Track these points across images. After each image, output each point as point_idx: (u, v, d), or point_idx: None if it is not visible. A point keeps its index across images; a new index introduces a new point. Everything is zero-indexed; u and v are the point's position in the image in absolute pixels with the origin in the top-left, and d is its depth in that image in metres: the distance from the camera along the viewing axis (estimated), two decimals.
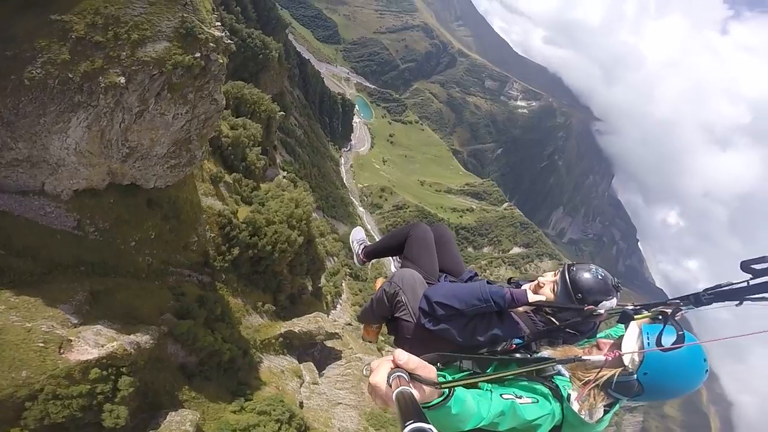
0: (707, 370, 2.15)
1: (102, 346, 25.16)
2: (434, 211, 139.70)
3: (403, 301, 3.31)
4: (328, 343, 48.77)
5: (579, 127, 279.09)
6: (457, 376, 2.39)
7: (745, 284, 1.96)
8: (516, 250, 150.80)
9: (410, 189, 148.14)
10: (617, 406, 2.40)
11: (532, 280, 3.23)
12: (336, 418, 41.44)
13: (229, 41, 34.89)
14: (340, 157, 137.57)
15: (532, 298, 2.87)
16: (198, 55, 31.42)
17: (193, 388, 31.60)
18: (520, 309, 2.93)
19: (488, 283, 3.15)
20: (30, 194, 28.22)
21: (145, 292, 31.56)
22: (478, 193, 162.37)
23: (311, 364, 46.58)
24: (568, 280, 2.80)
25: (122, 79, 28.63)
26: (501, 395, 2.15)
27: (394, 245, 4.15)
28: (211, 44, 31.98)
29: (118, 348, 25.29)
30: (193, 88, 31.81)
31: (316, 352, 49.74)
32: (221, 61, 33.09)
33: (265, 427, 31.79)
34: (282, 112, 73.46)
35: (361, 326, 4.17)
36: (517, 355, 2.72)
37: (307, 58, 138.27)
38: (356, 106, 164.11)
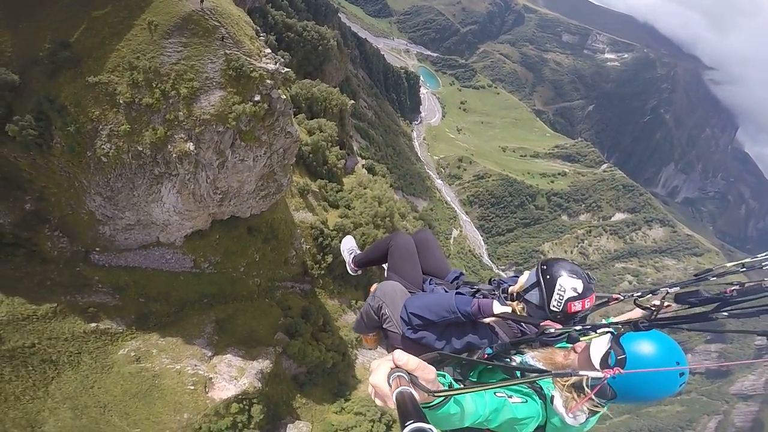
0: (683, 375, 2.13)
1: (236, 380, 30.29)
2: (520, 177, 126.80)
3: (387, 313, 3.42)
4: None
5: (687, 77, 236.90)
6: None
7: (682, 313, 2.07)
8: (619, 216, 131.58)
9: (491, 156, 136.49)
10: (604, 410, 2.43)
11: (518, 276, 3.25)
12: None
13: (286, 69, 33.29)
14: (412, 131, 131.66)
15: (497, 309, 2.91)
16: (257, 98, 30.07)
17: (303, 395, 35.99)
18: (488, 319, 2.97)
19: (459, 293, 3.21)
20: (150, 247, 32.42)
21: (259, 312, 36.75)
22: (570, 155, 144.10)
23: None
24: (541, 282, 2.86)
25: (191, 146, 28.42)
26: (495, 393, 2.22)
27: (378, 256, 4.27)
28: (268, 81, 30.29)
29: (249, 386, 30.41)
30: (264, 129, 31.26)
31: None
32: (284, 96, 31.59)
33: (360, 426, 35.92)
34: (352, 101, 73.04)
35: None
36: (506, 361, 2.73)
37: (363, 37, 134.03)
38: (420, 77, 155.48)
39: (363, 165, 73.51)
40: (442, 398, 1.72)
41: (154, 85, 27.53)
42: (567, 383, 2.38)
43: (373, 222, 48.62)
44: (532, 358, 2.69)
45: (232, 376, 30.50)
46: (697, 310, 2.06)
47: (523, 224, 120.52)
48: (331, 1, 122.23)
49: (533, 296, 2.90)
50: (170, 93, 27.66)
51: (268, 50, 32.51)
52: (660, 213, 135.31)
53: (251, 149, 31.01)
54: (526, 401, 2.35)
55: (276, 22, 70.17)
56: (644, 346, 2.15)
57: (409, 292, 3.56)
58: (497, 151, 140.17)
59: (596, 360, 2.30)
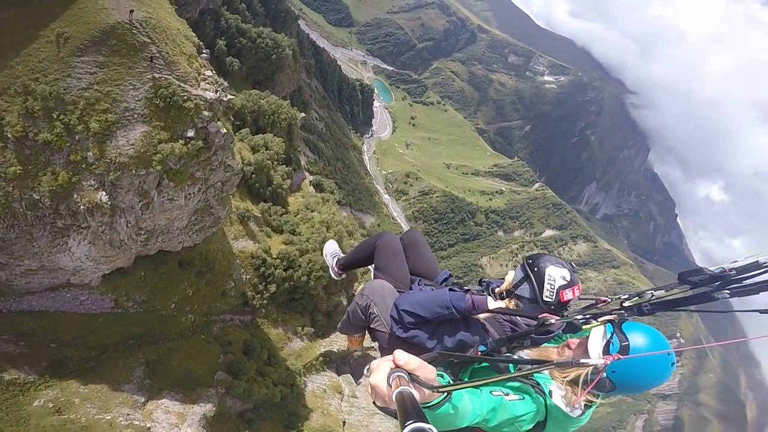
0: (673, 363, 2.24)
1: (178, 428, 27.15)
2: (462, 195, 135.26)
3: (375, 312, 3.37)
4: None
5: (611, 100, 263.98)
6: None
7: (684, 294, 2.05)
8: (549, 232, 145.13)
9: (436, 173, 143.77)
10: (598, 402, 2.45)
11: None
12: (374, 429, 42.25)
13: (229, 97, 28.58)
14: (363, 144, 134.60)
15: (491, 305, 2.91)
16: (191, 133, 25.01)
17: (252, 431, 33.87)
18: (482, 315, 2.97)
19: (451, 290, 3.16)
20: (59, 288, 27.96)
21: (195, 351, 33.69)
22: (507, 174, 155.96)
23: (349, 375, 47.66)
24: (530, 275, 2.88)
25: (103, 196, 23.21)
26: (491, 392, 2.22)
27: (364, 257, 4.15)
28: (205, 113, 25.28)
29: None
30: (199, 166, 26.64)
31: (352, 360, 50.40)
32: (225, 130, 26.95)
33: None
34: (303, 114, 71.56)
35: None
36: (515, 357, 2.71)
37: (321, 46, 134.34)
38: (375, 90, 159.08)
39: (311, 181, 72.11)
40: (442, 398, 1.74)
41: (55, 117, 22.02)
42: (566, 378, 2.40)
43: (320, 249, 48.48)
44: (526, 356, 2.72)
45: (171, 424, 27.50)
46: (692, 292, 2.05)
47: (463, 239, 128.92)
48: (292, 8, 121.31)
49: (524, 291, 2.94)
50: (76, 128, 22.25)
51: (209, 72, 27.80)
52: (584, 230, 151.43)
53: (181, 188, 26.60)
54: (523, 398, 2.37)
55: (229, 26, 68.08)
56: (637, 336, 2.24)
57: (398, 291, 3.51)
58: (442, 168, 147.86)
59: (594, 352, 2.32)
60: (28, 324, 26.94)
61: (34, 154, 22.47)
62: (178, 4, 57.72)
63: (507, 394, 2.32)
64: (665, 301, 2.15)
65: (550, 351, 2.71)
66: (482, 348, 2.88)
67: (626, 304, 2.36)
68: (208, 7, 66.48)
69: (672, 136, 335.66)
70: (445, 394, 1.76)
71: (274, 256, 42.57)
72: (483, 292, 3.31)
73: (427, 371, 1.66)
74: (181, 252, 32.17)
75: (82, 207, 22.88)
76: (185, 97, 24.49)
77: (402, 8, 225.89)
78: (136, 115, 23.71)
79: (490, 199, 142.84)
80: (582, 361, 2.31)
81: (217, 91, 26.62)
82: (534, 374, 2.49)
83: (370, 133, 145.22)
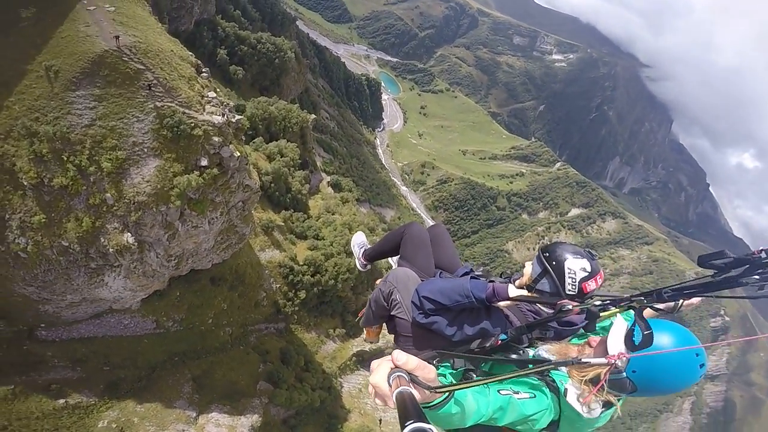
0: (702, 365, 2.06)
1: None
2: (481, 180, 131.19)
3: (398, 299, 3.40)
4: None
5: (626, 74, 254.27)
6: (448, 372, 2.46)
7: (708, 280, 1.94)
8: (575, 211, 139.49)
9: (452, 160, 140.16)
10: (619, 404, 2.33)
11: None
12: None
13: (237, 117, 28.52)
14: (375, 138, 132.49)
15: (513, 292, 2.86)
16: (204, 162, 24.72)
17: None
18: (503, 303, 2.92)
19: (473, 278, 3.13)
20: (103, 315, 29.57)
21: (236, 362, 35.42)
22: (526, 156, 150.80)
23: None
24: (546, 265, 2.78)
25: (129, 237, 23.52)
26: (498, 391, 2.15)
27: (390, 247, 4.22)
28: (216, 138, 24.80)
29: None
30: (218, 191, 26.75)
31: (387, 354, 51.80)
32: (238, 153, 26.85)
33: None
34: (313, 116, 70.71)
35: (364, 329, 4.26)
36: (513, 356, 2.65)
37: (323, 44, 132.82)
38: (382, 83, 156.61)
39: (328, 182, 71.88)
40: (443, 398, 1.72)
41: (66, 159, 21.60)
42: (585, 377, 2.30)
43: (345, 251, 47.26)
44: (546, 351, 2.63)
45: None
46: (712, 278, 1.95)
47: (486, 225, 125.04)
48: (288, 10, 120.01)
49: (545, 285, 2.83)
50: (89, 168, 21.87)
51: (213, 93, 27.15)
52: (611, 206, 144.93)
53: (205, 215, 27.08)
54: (535, 396, 2.29)
55: (227, 35, 67.32)
56: (660, 334, 2.08)
57: (421, 279, 3.53)
58: (458, 155, 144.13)
59: (614, 349, 2.18)
60: (80, 350, 28.37)
61: (54, 200, 22.42)
62: (171, 18, 57.67)
63: (517, 393, 2.22)
64: (687, 286, 2.03)
65: (571, 348, 2.60)
66: (503, 337, 2.80)
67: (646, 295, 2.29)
68: (202, 18, 65.73)
69: (694, 106, 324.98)
70: (447, 393, 1.71)
71: (301, 263, 43.48)
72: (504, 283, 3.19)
73: (427, 371, 1.63)
74: (211, 269, 33.20)
75: (111, 249, 23.24)
76: (192, 125, 24.05)
77: None
78: (146, 149, 23.43)
79: (511, 182, 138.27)
80: (584, 360, 2.17)
81: (224, 114, 26.13)
82: (551, 371, 2.40)
83: (382, 127, 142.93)
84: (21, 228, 22.08)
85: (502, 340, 2.78)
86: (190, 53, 30.22)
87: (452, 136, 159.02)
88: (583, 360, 2.19)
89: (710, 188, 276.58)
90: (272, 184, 47.92)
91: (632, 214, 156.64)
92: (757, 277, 1.78)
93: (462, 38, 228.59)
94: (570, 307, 2.41)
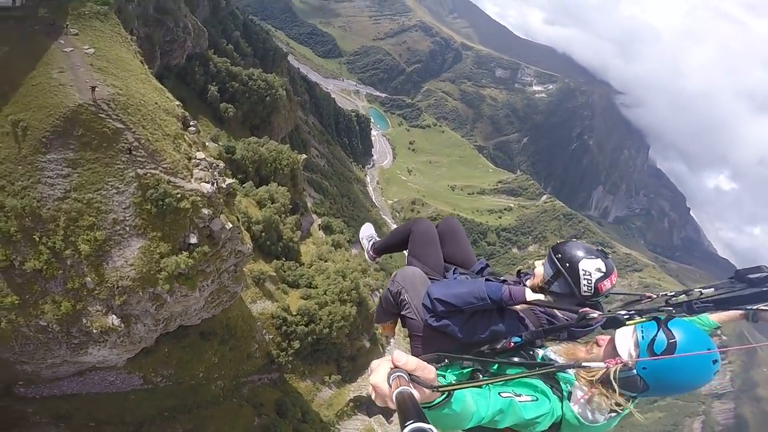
0: (716, 360, 2.06)
1: None
2: (470, 216, 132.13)
3: (406, 299, 3.34)
4: None
5: (602, 102, 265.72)
6: (455, 373, 2.51)
7: (739, 293, 1.95)
8: None
9: (441, 196, 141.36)
10: (628, 409, 2.27)
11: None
12: None
13: (229, 181, 26.65)
14: (365, 175, 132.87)
15: (530, 296, 2.83)
16: (194, 239, 22.70)
17: None
18: (519, 306, 2.88)
19: (488, 280, 3.10)
20: (87, 372, 27.83)
21: (229, 416, 33.80)
22: (513, 190, 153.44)
23: (380, 416, 48.17)
24: (558, 263, 2.74)
25: (114, 320, 21.71)
26: (499, 393, 2.13)
27: (398, 242, 4.17)
28: (205, 211, 22.67)
29: None
30: (208, 262, 24.79)
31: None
32: (230, 224, 24.99)
33: None
34: (304, 155, 70.17)
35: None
36: (516, 359, 2.66)
37: (314, 80, 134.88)
38: (371, 119, 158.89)
39: (319, 224, 71.31)
40: (443, 398, 1.69)
41: (38, 239, 19.36)
42: (594, 377, 2.24)
43: (339, 299, 46.51)
44: (553, 353, 2.60)
45: None
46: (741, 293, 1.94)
47: None
48: (280, 44, 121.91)
49: (558, 287, 2.77)
50: (64, 252, 19.68)
51: (201, 155, 24.72)
52: (599, 236, 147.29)
53: (195, 288, 25.31)
54: (537, 399, 2.23)
55: (219, 70, 67.34)
56: (675, 331, 2.06)
57: (431, 278, 3.46)
58: (446, 191, 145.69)
59: (623, 348, 2.18)
60: (63, 407, 26.57)
61: (27, 283, 20.27)
62: (164, 51, 57.58)
63: (519, 395, 2.18)
64: (718, 299, 2.01)
65: (579, 348, 2.57)
66: (516, 339, 2.75)
67: (672, 300, 2.31)
68: (195, 52, 65.62)
69: (668, 131, 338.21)
70: (446, 394, 1.70)
71: (294, 313, 42.74)
72: (519, 283, 3.15)
73: (427, 371, 1.63)
74: (201, 324, 31.71)
75: (94, 330, 21.39)
76: (179, 196, 21.80)
77: (387, 34, 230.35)
78: (128, 228, 21.20)
79: (500, 217, 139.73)
80: (585, 364, 2.15)
81: (213, 180, 24.04)
82: (557, 373, 2.35)
83: (372, 163, 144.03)
84: None
85: (515, 343, 2.75)
86: (177, 103, 28.52)
87: (440, 172, 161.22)
88: (590, 365, 2.17)
89: (691, 212, 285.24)
90: (263, 233, 46.92)
91: (619, 243, 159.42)
92: None
93: (447, 72, 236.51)
94: (595, 315, 2.34)
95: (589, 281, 2.64)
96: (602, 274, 2.65)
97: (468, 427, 1.96)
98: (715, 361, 2.07)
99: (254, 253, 45.51)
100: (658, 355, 2.01)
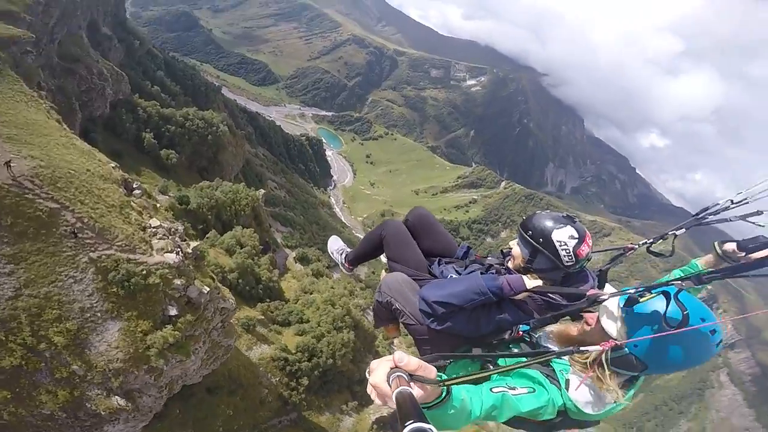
0: (714, 331, 1.97)
1: None
2: (439, 216, 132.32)
3: (398, 308, 3.29)
4: None
5: (531, 86, 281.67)
6: (463, 371, 2.55)
7: (743, 262, 2.04)
8: None
9: (408, 202, 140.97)
10: (636, 386, 2.27)
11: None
12: None
13: (193, 245, 25.00)
14: (329, 197, 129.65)
15: (529, 284, 2.81)
16: (173, 311, 21.61)
17: None
18: (521, 295, 2.85)
19: (482, 272, 3.10)
20: None
21: None
22: (473, 182, 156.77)
23: None
24: (530, 240, 2.75)
25: (119, 400, 20.41)
26: (491, 389, 2.09)
27: (371, 249, 3.98)
28: (177, 281, 21.64)
29: None
30: (195, 326, 23.39)
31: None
32: (207, 288, 23.88)
33: None
34: (262, 190, 67.13)
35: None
36: (515, 350, 2.68)
37: (254, 110, 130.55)
38: (323, 139, 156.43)
39: (294, 257, 68.84)
40: (442, 398, 1.67)
41: (4, 339, 18.46)
42: (588, 359, 2.20)
43: (334, 327, 45.91)
44: (545, 338, 2.58)
45: None
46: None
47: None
48: (210, 78, 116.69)
49: (541, 263, 2.76)
50: (38, 346, 18.66)
51: (156, 221, 22.92)
52: (562, 209, 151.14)
53: (189, 354, 24.33)
54: (534, 390, 2.17)
55: (150, 115, 62.90)
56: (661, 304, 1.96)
57: (418, 280, 3.32)
58: (411, 196, 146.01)
59: (611, 326, 2.13)
60: None
61: (13, 378, 18.60)
62: (83, 103, 52.74)
63: (513, 388, 2.13)
64: (725, 268, 2.07)
65: (571, 328, 2.51)
66: (524, 327, 2.76)
67: (653, 248, 2.58)
68: (118, 99, 61.10)
69: (596, 103, 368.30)
70: (444, 394, 1.70)
71: (294, 351, 42.19)
72: (502, 264, 3.20)
73: (428, 371, 1.62)
74: (203, 380, 30.47)
75: (101, 412, 20.11)
76: (144, 273, 20.15)
77: (321, 52, 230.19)
78: (98, 314, 19.49)
79: (467, 211, 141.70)
80: (582, 348, 2.07)
81: (177, 248, 22.36)
82: (551, 361, 2.29)
83: (333, 184, 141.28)
84: None
85: (523, 331, 2.73)
86: (113, 164, 25.58)
87: (402, 179, 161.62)
88: (581, 349, 2.06)
89: (637, 170, 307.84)
90: (240, 280, 45.18)
91: (582, 211, 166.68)
92: None
93: (387, 80, 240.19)
94: (605, 296, 2.24)
95: (567, 250, 2.63)
96: (577, 240, 2.64)
97: (464, 426, 1.92)
98: (713, 332, 1.96)
99: (237, 302, 43.25)
100: (677, 327, 1.86)
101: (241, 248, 48.67)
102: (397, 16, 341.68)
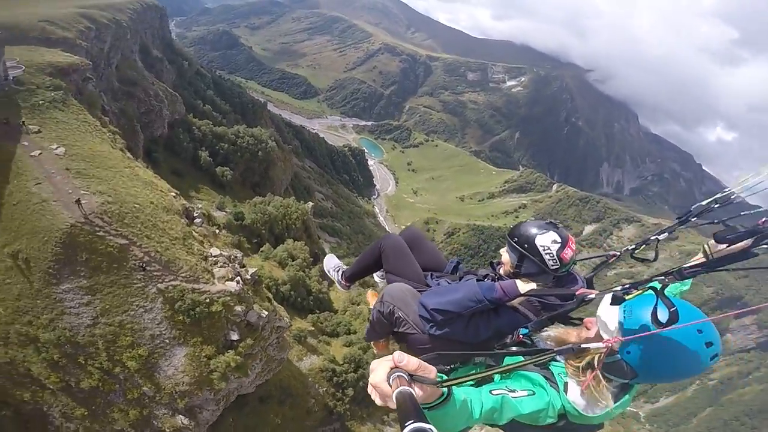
0: (710, 343, 1.90)
1: None
2: (487, 223, 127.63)
3: (401, 316, 3.35)
4: None
5: (576, 83, 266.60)
6: (461, 372, 2.62)
7: (732, 252, 2.01)
8: (589, 228, 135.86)
9: (453, 210, 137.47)
10: (632, 392, 2.27)
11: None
12: None
13: (252, 270, 26.09)
14: (373, 207, 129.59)
15: (522, 288, 2.89)
16: (235, 336, 22.40)
17: None
18: (516, 300, 2.96)
19: (478, 280, 3.18)
20: None
21: None
22: (521, 186, 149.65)
23: None
24: (519, 248, 2.87)
25: (183, 419, 21.67)
26: (491, 392, 2.10)
27: (371, 263, 4.13)
28: (238, 308, 22.36)
29: None
30: (254, 347, 24.09)
31: None
32: (265, 312, 24.71)
33: None
34: (311, 203, 68.08)
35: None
36: (514, 348, 2.69)
37: (299, 123, 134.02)
38: (364, 149, 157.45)
39: None
40: (442, 398, 1.68)
41: (83, 362, 19.89)
42: (581, 364, 2.20)
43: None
44: (543, 341, 2.59)
45: None
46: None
47: None
48: (255, 95, 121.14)
49: (528, 267, 2.87)
50: (113, 370, 20.11)
51: (216, 250, 23.98)
52: (621, 213, 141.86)
53: (248, 374, 25.11)
54: (533, 393, 2.17)
55: (204, 134, 65.97)
56: (651, 310, 1.93)
57: (417, 290, 3.42)
58: (456, 203, 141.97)
59: (610, 329, 2.12)
60: None
61: (89, 397, 20.21)
62: (144, 124, 55.50)
63: (513, 391, 2.14)
64: (706, 261, 2.08)
65: (570, 333, 2.53)
66: (524, 331, 2.77)
67: (636, 254, 2.55)
68: (174, 119, 64.13)
69: (648, 96, 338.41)
70: (445, 395, 1.71)
71: (341, 362, 42.79)
72: (493, 274, 3.27)
73: (428, 371, 1.63)
74: (258, 389, 31.56)
75: (167, 430, 21.12)
76: (207, 301, 21.18)
77: (355, 63, 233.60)
78: (167, 340, 20.72)
79: (517, 217, 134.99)
80: (584, 345, 2.10)
81: (237, 274, 23.41)
82: (550, 364, 2.32)
83: (376, 193, 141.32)
84: (65, 417, 20.12)
85: (523, 335, 2.73)
86: (173, 192, 26.91)
87: (445, 185, 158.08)
88: (582, 347, 2.07)
89: (704, 167, 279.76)
90: (292, 292, 46.47)
91: (643, 214, 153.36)
92: (766, 246, 1.84)
93: (423, 86, 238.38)
94: (592, 296, 2.34)
95: (551, 254, 2.73)
96: (559, 244, 2.74)
97: (464, 427, 1.91)
98: (709, 344, 1.89)
99: (290, 313, 44.15)
100: (665, 324, 1.83)
101: (293, 261, 49.88)
102: (426, 21, 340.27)
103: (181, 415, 20.95)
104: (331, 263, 4.84)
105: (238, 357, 22.01)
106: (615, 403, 2.21)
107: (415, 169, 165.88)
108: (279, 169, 78.56)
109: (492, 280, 3.10)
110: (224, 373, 21.53)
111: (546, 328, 2.64)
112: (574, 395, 2.19)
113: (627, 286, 2.10)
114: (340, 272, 4.62)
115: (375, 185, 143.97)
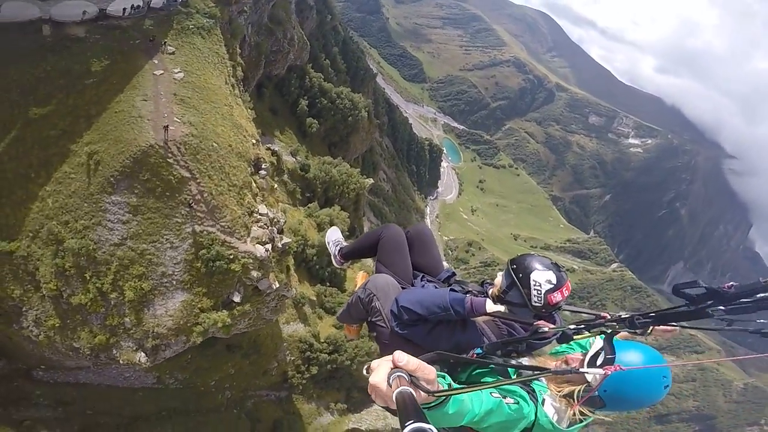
0: (667, 386, 2.27)
1: None
2: None
3: (377, 307, 3.36)
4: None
5: (707, 166, 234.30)
6: (488, 378, 2.64)
7: (682, 309, 1.97)
8: (622, 315, 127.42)
9: (501, 243, 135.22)
10: (591, 418, 2.46)
11: None
12: None
13: (285, 241, 25.58)
14: (426, 206, 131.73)
15: (490, 308, 2.92)
16: (237, 297, 22.23)
17: None
18: (480, 318, 2.99)
19: (452, 290, 3.17)
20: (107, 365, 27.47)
21: (223, 426, 33.79)
22: (581, 252, 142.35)
23: None
24: (512, 275, 2.86)
25: (142, 357, 21.90)
26: (491, 393, 2.22)
27: (367, 247, 4.16)
28: (255, 273, 22.20)
29: None
30: (249, 312, 24.13)
31: None
32: (276, 283, 23.89)
33: None
34: (371, 180, 70.80)
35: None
36: (513, 362, 2.75)
37: (395, 102, 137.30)
38: (444, 150, 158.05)
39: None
40: (442, 398, 1.73)
41: (88, 278, 20.11)
42: (560, 393, 2.43)
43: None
44: (527, 363, 2.73)
45: None
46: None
47: None
48: (371, 64, 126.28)
49: (513, 296, 2.87)
50: (110, 294, 20.38)
51: (264, 209, 23.57)
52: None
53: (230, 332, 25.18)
54: (518, 402, 2.33)
55: (312, 85, 71.08)
56: (629, 353, 2.27)
57: (401, 287, 3.51)
58: (508, 239, 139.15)
59: (593, 367, 2.28)
60: (70, 394, 27.30)
61: (70, 312, 20.99)
62: (268, 61, 58.98)
63: (505, 397, 2.29)
64: (659, 314, 2.06)
65: (549, 362, 2.70)
66: (478, 351, 2.82)
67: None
68: (295, 64, 69.19)
69: None
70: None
71: (322, 341, 43.10)
72: (483, 293, 3.25)
73: (427, 372, 1.66)
74: (231, 337, 31.26)
75: (121, 361, 22.05)
76: (231, 257, 21.31)
77: (476, 66, 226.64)
78: (174, 282, 21.20)
79: None
80: (582, 370, 2.29)
81: (271, 239, 23.09)
82: (532, 382, 2.51)
83: (435, 195, 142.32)
84: (36, 322, 21.18)
85: (477, 354, 2.81)
86: (254, 140, 27.14)
87: (506, 217, 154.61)
88: (567, 370, 2.32)
89: None
90: (315, 257, 47.82)
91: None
92: (722, 308, 1.84)
93: (535, 112, 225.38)
94: (546, 329, 2.46)
95: (539, 292, 2.73)
96: (552, 286, 2.72)
97: (460, 425, 2.03)
98: (666, 386, 2.26)
99: (301, 275, 46.29)
100: (613, 366, 2.12)
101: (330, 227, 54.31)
102: (574, 50, 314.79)
103: (142, 353, 21.66)
104: (333, 236, 4.82)
105: (228, 319, 22.37)
106: (578, 424, 2.44)
107: (484, 189, 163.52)
108: (359, 138, 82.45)
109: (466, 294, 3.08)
110: (207, 330, 21.79)
111: (523, 358, 2.76)
112: (549, 409, 2.40)
113: (581, 326, 2.29)
114: (338, 247, 4.62)
115: (438, 188, 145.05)
